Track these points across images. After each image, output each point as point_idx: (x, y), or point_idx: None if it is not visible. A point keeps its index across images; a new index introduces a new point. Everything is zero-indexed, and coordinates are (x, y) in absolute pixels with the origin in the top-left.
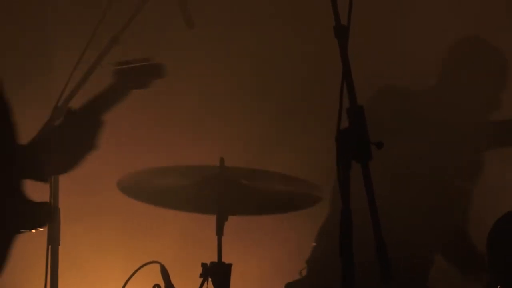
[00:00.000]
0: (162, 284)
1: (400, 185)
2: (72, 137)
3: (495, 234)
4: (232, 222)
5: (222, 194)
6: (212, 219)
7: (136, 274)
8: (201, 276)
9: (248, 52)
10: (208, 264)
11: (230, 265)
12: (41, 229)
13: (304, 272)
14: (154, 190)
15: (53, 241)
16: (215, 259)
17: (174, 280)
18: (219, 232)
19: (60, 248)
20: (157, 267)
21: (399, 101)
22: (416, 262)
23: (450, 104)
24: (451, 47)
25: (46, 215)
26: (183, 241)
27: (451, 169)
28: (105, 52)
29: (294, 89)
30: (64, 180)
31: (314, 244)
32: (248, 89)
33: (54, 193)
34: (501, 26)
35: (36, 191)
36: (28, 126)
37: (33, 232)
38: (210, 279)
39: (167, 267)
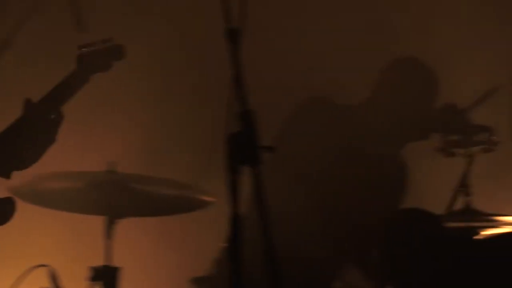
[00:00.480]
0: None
1: (298, 189)
2: (32, 131)
3: (387, 231)
4: (123, 226)
5: (110, 198)
6: (101, 223)
7: (24, 278)
8: (89, 279)
9: (138, 57)
10: (97, 268)
11: (118, 269)
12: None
13: (209, 271)
14: (44, 193)
15: None
16: (104, 262)
17: (63, 283)
18: (108, 235)
19: None
20: (45, 271)
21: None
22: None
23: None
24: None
25: (9, 211)
26: (72, 244)
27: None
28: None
29: (186, 93)
30: None
31: (222, 245)
32: (141, 94)
33: None
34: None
35: None
36: None
37: None
38: (98, 283)
39: (55, 270)
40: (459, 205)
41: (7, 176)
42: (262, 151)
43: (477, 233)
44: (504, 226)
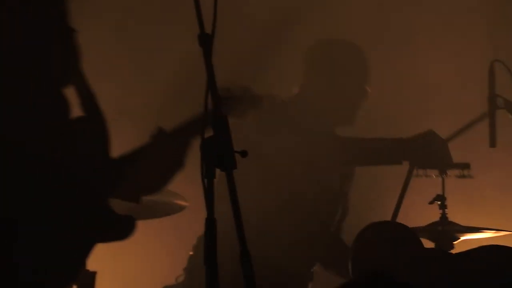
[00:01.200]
0: None
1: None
2: (161, 157)
3: (358, 243)
4: None
5: None
6: None
7: None
8: None
9: (115, 56)
10: None
11: (94, 273)
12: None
13: (181, 279)
14: None
15: None
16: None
17: None
18: None
19: None
20: None
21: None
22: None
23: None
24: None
25: (129, 228)
26: None
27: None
28: None
29: (162, 96)
30: None
31: (191, 253)
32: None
33: None
34: None
35: None
36: None
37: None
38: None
39: None
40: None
41: (137, 200)
42: (235, 155)
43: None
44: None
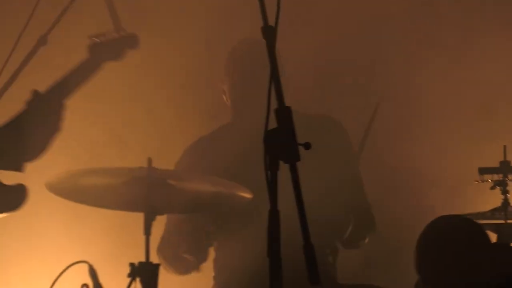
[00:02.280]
0: (91, 284)
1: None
2: (39, 121)
3: (426, 238)
4: (161, 222)
5: (149, 194)
6: (140, 219)
7: (64, 274)
8: (129, 275)
9: (177, 50)
10: (136, 264)
11: (158, 265)
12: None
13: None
14: (82, 189)
15: None
16: (143, 259)
17: (102, 279)
18: (147, 231)
19: None
20: (85, 267)
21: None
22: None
23: None
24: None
25: (20, 198)
26: (112, 240)
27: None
28: (33, 52)
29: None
30: None
31: None
32: (177, 87)
33: None
34: None
35: None
36: None
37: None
38: (138, 279)
39: (95, 266)
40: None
41: (18, 168)
42: (299, 147)
43: None
44: None
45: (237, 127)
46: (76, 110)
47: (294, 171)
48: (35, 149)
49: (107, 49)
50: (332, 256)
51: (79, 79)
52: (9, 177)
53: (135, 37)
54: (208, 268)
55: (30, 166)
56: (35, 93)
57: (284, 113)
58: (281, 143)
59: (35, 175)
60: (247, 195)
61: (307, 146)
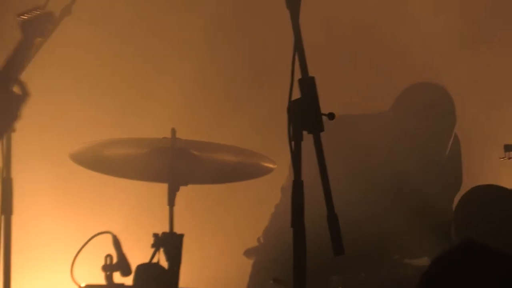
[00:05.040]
0: (115, 254)
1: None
2: None
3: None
4: (185, 192)
5: (173, 165)
6: (164, 190)
7: (88, 244)
8: (153, 246)
9: (201, 21)
10: (160, 234)
11: (181, 236)
12: None
13: (262, 240)
14: (106, 160)
15: (6, 211)
16: (167, 229)
17: (126, 250)
18: (171, 202)
19: (13, 218)
20: (109, 237)
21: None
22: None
23: None
24: None
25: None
26: (135, 211)
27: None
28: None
29: (248, 59)
30: (17, 152)
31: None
32: (201, 58)
33: (7, 164)
34: None
35: None
36: None
37: None
38: (162, 249)
39: (119, 237)
40: None
41: None
42: (323, 117)
43: None
44: None
45: None
46: (98, 81)
47: (317, 142)
48: None
49: (35, 26)
50: None
51: (21, 58)
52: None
53: (52, 15)
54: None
55: (53, 137)
56: None
57: (307, 83)
58: (305, 113)
59: (59, 146)
60: (271, 165)
61: (331, 116)
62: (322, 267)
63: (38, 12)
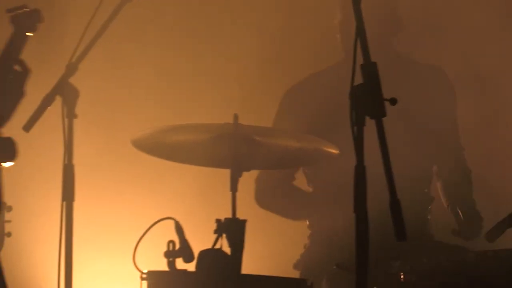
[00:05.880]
0: (177, 240)
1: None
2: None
3: None
4: (247, 178)
5: (235, 151)
6: (226, 176)
7: (150, 231)
8: (215, 232)
9: (261, 9)
10: (223, 220)
11: (244, 221)
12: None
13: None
14: (168, 146)
15: (68, 197)
16: (229, 215)
17: (188, 236)
18: (233, 188)
19: (75, 204)
20: (171, 223)
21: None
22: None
23: None
24: None
25: (8, 151)
26: (198, 197)
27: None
28: (117, 11)
29: (308, 47)
30: (79, 137)
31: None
32: (262, 45)
33: (69, 150)
34: None
35: None
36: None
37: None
38: (224, 235)
39: (181, 223)
40: None
41: None
42: (385, 103)
43: None
44: None
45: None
46: (160, 67)
47: (380, 127)
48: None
49: (26, 21)
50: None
51: (17, 46)
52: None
53: (39, 12)
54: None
55: (115, 124)
56: None
57: (370, 68)
58: (367, 98)
59: (121, 132)
60: (334, 151)
61: (393, 101)
62: (384, 252)
63: (27, 10)
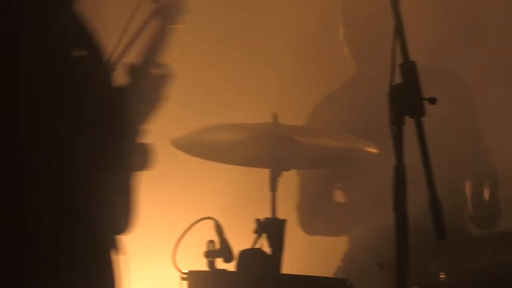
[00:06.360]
0: (217, 240)
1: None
2: (143, 93)
3: None
4: (287, 177)
5: (275, 150)
6: (265, 175)
7: (190, 230)
8: (255, 232)
9: (302, 8)
10: (262, 220)
11: (284, 221)
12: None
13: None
14: (208, 145)
15: None
16: (269, 215)
17: (228, 236)
18: (273, 187)
19: None
20: (211, 223)
21: None
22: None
23: None
24: None
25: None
26: (237, 197)
27: None
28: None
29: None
30: None
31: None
32: (302, 44)
33: None
34: None
35: None
36: None
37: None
38: (264, 235)
39: (221, 223)
40: None
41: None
42: (424, 102)
43: None
44: None
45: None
46: (199, 68)
47: (419, 126)
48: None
49: (168, 13)
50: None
51: (161, 45)
52: None
53: (182, 3)
54: None
55: (153, 123)
56: (131, 67)
57: (409, 68)
58: (406, 97)
59: (160, 132)
60: (373, 150)
61: (432, 100)
62: (423, 251)
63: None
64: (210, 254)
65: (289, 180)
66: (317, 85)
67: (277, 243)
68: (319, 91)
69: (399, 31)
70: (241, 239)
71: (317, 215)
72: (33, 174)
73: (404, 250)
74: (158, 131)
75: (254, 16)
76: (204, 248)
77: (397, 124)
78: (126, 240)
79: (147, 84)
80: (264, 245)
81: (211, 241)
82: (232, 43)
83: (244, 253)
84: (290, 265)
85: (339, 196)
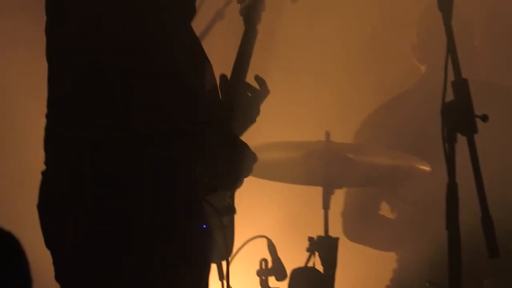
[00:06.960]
0: (269, 259)
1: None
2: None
3: None
4: (340, 195)
5: (327, 168)
6: (318, 193)
7: (243, 249)
8: (308, 250)
9: (355, 23)
10: (315, 238)
11: (337, 239)
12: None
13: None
14: (260, 163)
15: None
16: (322, 233)
17: (280, 254)
18: (326, 205)
19: None
20: (264, 242)
21: None
22: None
23: None
24: None
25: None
26: (290, 215)
27: None
28: (211, 26)
29: (399, 63)
30: None
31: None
32: (355, 62)
33: None
34: None
35: None
36: None
37: None
38: (317, 253)
39: (273, 241)
40: None
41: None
42: (476, 119)
43: None
44: None
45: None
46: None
47: (471, 144)
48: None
49: (253, 12)
50: None
51: (250, 51)
52: None
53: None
54: None
55: None
56: (223, 78)
57: (461, 85)
58: (459, 115)
59: None
60: (426, 168)
61: (484, 118)
62: (476, 269)
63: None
64: (263, 273)
65: (342, 198)
66: (371, 102)
67: (330, 261)
68: (372, 108)
69: (451, 48)
70: (294, 258)
71: (363, 224)
72: None
73: (457, 268)
74: None
75: (304, 29)
76: (257, 266)
77: (449, 141)
78: None
79: (246, 98)
80: (317, 263)
81: (264, 259)
82: (284, 60)
83: (296, 272)
84: (342, 283)
85: (387, 211)
